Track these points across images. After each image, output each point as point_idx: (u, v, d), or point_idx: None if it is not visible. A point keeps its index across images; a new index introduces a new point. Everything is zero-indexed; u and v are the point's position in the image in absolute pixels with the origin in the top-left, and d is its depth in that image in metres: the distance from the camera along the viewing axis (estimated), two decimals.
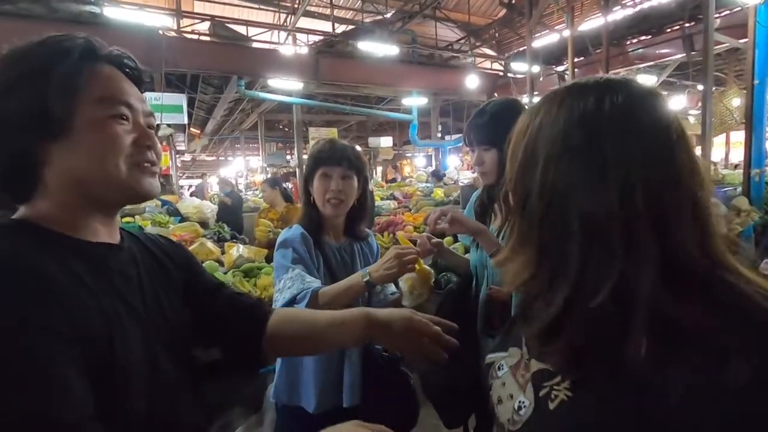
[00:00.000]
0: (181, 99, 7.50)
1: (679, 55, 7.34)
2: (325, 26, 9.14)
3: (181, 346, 0.69)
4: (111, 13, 5.57)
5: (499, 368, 0.62)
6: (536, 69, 8.33)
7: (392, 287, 1.42)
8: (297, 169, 9.49)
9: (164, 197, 5.20)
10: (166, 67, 6.64)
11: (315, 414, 1.22)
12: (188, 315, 0.73)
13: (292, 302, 1.12)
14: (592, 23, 8.05)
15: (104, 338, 0.54)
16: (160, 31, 6.97)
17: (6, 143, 0.56)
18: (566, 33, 7.61)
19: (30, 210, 0.59)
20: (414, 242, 1.25)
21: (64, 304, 0.51)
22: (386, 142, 12.61)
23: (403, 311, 0.78)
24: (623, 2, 7.87)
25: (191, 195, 9.29)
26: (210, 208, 4.98)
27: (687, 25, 6.95)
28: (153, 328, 0.63)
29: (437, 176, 7.67)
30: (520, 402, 0.54)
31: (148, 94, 7.07)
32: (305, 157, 9.80)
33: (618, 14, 7.50)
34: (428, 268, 1.20)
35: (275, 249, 1.26)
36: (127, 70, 0.64)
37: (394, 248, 1.13)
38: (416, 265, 1.15)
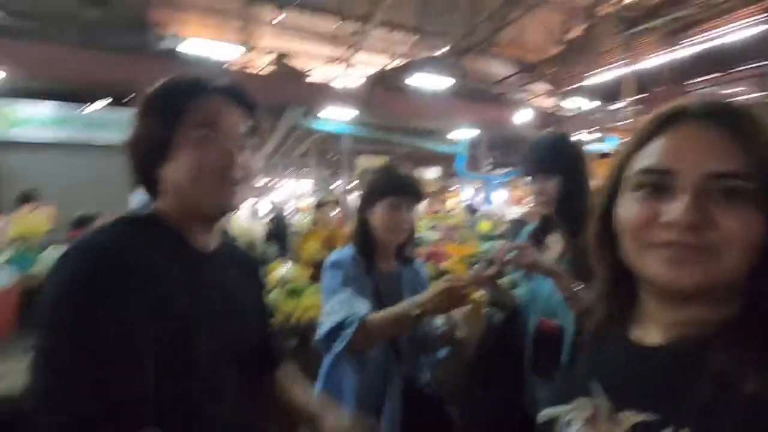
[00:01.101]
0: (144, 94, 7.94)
1: (751, 95, 6.92)
2: (380, 60, 9.49)
3: (245, 347, 0.79)
4: (184, 47, 6.12)
5: (568, 424, 0.53)
6: (591, 106, 8.15)
7: (438, 320, 1.37)
8: (342, 197, 9.67)
9: None
10: None
11: None
12: (259, 327, 0.85)
13: (339, 327, 1.08)
14: (653, 60, 7.81)
15: (182, 329, 0.64)
16: (226, 65, 7.56)
17: (136, 165, 0.73)
18: (625, 71, 7.44)
19: (157, 205, 0.74)
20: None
21: (151, 290, 0.61)
22: (433, 173, 12.63)
23: None
24: (687, 40, 7.58)
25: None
26: (260, 229, 5.16)
27: (762, 63, 6.57)
28: (228, 332, 0.73)
29: (471, 210, 7.51)
30: None
31: None
32: (353, 184, 10.01)
33: (683, 51, 7.21)
34: (480, 297, 1.14)
35: (324, 269, 1.25)
36: (235, 98, 0.75)
37: (447, 281, 1.08)
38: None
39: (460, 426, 1.31)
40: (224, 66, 7.27)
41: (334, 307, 1.12)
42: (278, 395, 0.89)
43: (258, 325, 0.86)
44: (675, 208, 0.44)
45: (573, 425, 0.52)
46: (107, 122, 6.59)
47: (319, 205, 4.10)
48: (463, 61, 9.60)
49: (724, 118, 0.45)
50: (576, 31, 9.10)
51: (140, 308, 0.59)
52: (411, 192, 1.25)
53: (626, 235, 0.50)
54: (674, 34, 6.72)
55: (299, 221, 8.19)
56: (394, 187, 1.25)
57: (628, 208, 0.49)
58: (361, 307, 1.12)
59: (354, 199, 9.96)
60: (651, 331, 0.52)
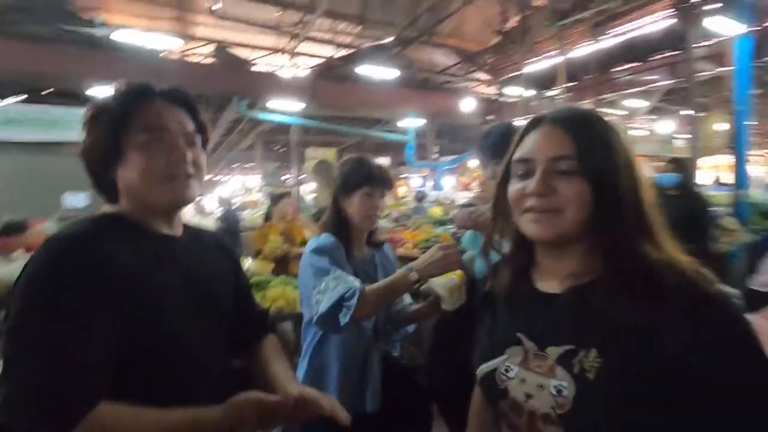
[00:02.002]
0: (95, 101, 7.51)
1: (665, 82, 7.67)
2: (325, 51, 9.38)
3: (221, 313, 0.88)
4: (119, 36, 5.71)
5: (506, 370, 0.66)
6: (529, 93, 8.62)
7: (409, 299, 1.49)
8: (294, 189, 9.56)
9: None
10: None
11: None
12: (231, 301, 0.91)
13: (340, 301, 1.14)
14: (582, 50, 8.37)
15: (145, 294, 0.72)
16: (163, 55, 7.17)
17: (90, 168, 0.79)
18: (557, 60, 7.92)
19: (118, 206, 0.80)
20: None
21: (107, 264, 0.69)
22: (383, 162, 12.77)
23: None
24: (610, 32, 8.22)
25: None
26: (210, 226, 5.03)
27: (672, 53, 7.29)
28: (193, 295, 0.80)
29: (418, 198, 7.72)
30: (556, 386, 0.59)
31: None
32: (303, 176, 9.89)
33: (607, 42, 7.80)
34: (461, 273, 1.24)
35: (308, 253, 1.30)
36: (178, 100, 0.81)
37: (438, 246, 1.18)
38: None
39: (429, 390, 1.44)
40: (161, 56, 6.87)
41: (329, 284, 1.18)
42: (257, 365, 0.96)
43: (235, 297, 0.94)
44: (530, 184, 0.63)
45: (511, 370, 0.65)
46: (29, 118, 6.05)
47: (275, 199, 4.08)
48: (408, 51, 9.73)
49: (565, 121, 0.64)
50: (512, 22, 9.52)
51: (101, 292, 0.67)
52: (383, 181, 1.36)
53: (512, 207, 0.68)
54: (599, 26, 7.26)
55: (250, 216, 8.01)
56: (368, 178, 1.34)
57: (511, 188, 0.68)
58: (356, 281, 1.19)
59: (306, 190, 9.87)
60: (551, 283, 0.67)
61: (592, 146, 0.61)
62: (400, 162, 15.16)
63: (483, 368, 0.70)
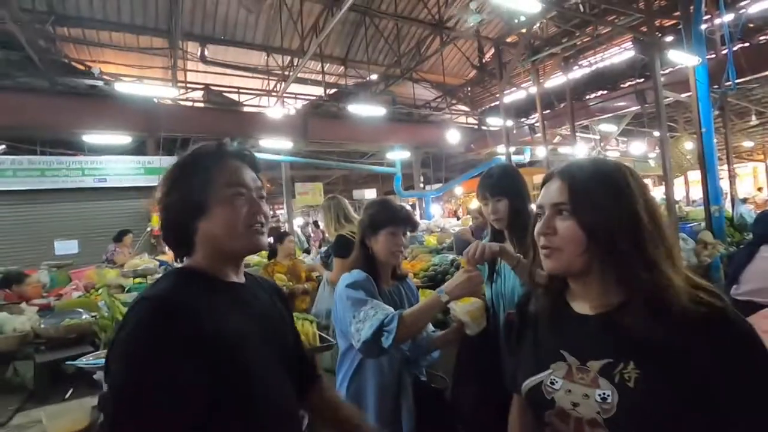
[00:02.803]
0: (174, 162, 7.74)
1: (633, 108, 8.19)
2: (312, 90, 9.74)
3: (288, 356, 0.95)
4: (117, 87, 5.91)
5: (551, 383, 0.73)
6: (509, 123, 9.06)
7: (430, 326, 1.63)
8: (287, 224, 9.66)
9: (160, 258, 5.17)
10: (164, 132, 6.99)
11: None
12: (293, 347, 1.00)
13: (381, 326, 1.24)
14: (556, 80, 8.92)
15: (233, 342, 0.78)
16: (156, 100, 7.38)
17: (173, 223, 0.85)
18: (533, 90, 8.42)
19: (191, 260, 0.87)
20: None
21: (198, 321, 0.75)
22: (370, 194, 13.04)
23: None
24: (580, 63, 8.81)
25: None
26: None
27: (638, 81, 7.84)
28: (267, 339, 0.88)
29: (411, 228, 7.66)
30: (600, 395, 0.67)
31: (143, 158, 7.38)
32: (295, 211, 9.97)
33: (577, 73, 8.35)
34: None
35: (344, 288, 1.42)
36: (246, 160, 0.91)
37: (463, 270, 1.31)
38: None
39: (455, 410, 1.57)
40: (155, 101, 7.08)
41: (368, 313, 1.29)
42: (326, 407, 1.05)
43: (293, 341, 1.01)
44: (540, 225, 0.77)
45: (556, 383, 0.73)
46: (19, 168, 6.12)
47: (279, 238, 4.20)
48: (391, 88, 10.18)
49: (564, 174, 0.77)
50: (488, 57, 10.11)
51: (186, 350, 0.71)
52: (405, 221, 1.53)
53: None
54: (570, 59, 7.81)
55: None
56: (392, 218, 1.50)
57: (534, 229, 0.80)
58: (391, 309, 1.31)
59: (301, 225, 9.91)
60: (583, 305, 0.78)
61: (582, 194, 0.73)
62: (386, 192, 15.47)
63: (529, 382, 0.78)
